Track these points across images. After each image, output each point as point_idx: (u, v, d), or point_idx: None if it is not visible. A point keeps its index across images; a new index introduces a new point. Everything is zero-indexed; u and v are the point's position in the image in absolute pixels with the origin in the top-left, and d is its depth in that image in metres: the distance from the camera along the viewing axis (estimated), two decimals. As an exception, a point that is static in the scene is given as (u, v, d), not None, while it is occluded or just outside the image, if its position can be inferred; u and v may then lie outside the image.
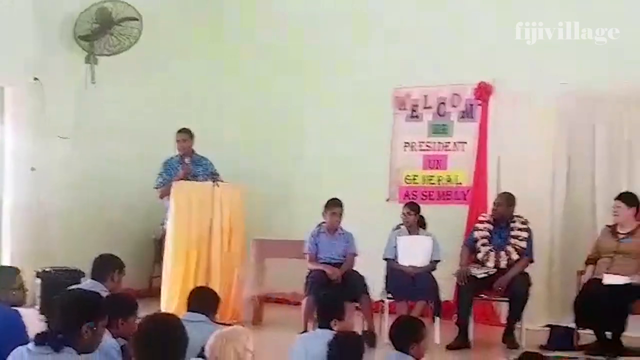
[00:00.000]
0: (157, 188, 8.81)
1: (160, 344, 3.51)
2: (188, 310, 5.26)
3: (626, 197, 7.55)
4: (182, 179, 8.54)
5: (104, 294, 4.87)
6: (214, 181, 8.47)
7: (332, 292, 6.63)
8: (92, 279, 5.68)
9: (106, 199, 9.86)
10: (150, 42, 9.86)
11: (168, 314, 4.01)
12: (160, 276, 8.64)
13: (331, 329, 5.05)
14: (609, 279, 7.15)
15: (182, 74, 10.50)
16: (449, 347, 7.54)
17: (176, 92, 10.46)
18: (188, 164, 8.68)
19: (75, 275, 7.90)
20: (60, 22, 9.56)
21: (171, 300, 7.94)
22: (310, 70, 10.20)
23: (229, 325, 4.65)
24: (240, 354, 3.78)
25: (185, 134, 8.86)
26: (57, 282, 7.95)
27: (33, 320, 5.74)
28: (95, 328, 3.74)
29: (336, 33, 10.09)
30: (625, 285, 7.08)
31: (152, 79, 10.22)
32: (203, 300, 5.38)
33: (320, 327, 5.20)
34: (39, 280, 8.48)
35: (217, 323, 5.17)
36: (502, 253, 7.81)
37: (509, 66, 8.91)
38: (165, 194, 8.63)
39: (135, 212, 10.00)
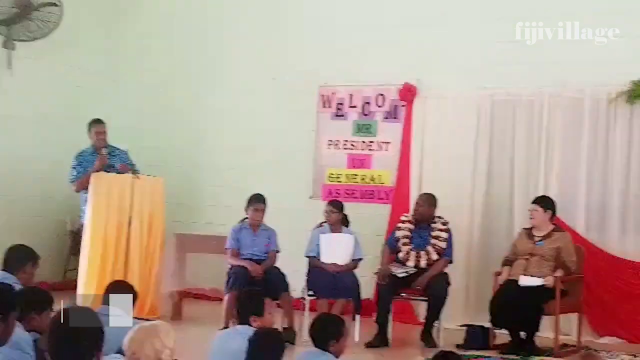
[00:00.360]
0: (72, 182, 8.63)
1: (75, 338, 3.44)
2: (103, 304, 5.18)
3: (542, 201, 7.71)
4: (98, 171, 8.37)
5: (17, 286, 4.75)
6: (133, 173, 8.34)
7: (253, 288, 6.59)
8: (3, 270, 5.51)
9: (21, 188, 9.68)
10: (70, 29, 9.70)
11: (83, 308, 3.93)
12: (75, 269, 8.48)
13: (250, 325, 5.04)
14: (525, 281, 7.29)
15: (100, 62, 10.37)
16: (368, 345, 7.59)
17: (95, 81, 10.31)
18: (104, 155, 8.49)
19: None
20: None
21: (88, 293, 7.79)
22: (236, 66, 10.13)
23: (146, 320, 4.59)
24: (158, 350, 3.71)
25: (104, 125, 8.66)
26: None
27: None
28: (6, 321, 3.65)
29: (259, 26, 10.05)
30: (540, 286, 7.23)
31: (70, 66, 10.07)
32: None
33: (240, 323, 5.18)
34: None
35: (134, 318, 5.10)
36: (423, 253, 7.89)
37: (433, 68, 9.01)
38: (81, 187, 8.47)
39: (51, 202, 9.85)
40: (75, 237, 8.67)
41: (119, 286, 5.47)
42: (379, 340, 7.65)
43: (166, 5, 10.60)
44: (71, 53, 10.03)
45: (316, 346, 4.80)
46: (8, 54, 9.53)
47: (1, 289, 3.84)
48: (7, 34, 9.48)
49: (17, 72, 9.56)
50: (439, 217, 8.07)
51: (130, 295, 5.33)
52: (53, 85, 9.94)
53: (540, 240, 7.55)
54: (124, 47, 10.54)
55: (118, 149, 8.72)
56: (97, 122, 8.68)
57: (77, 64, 10.12)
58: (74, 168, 8.60)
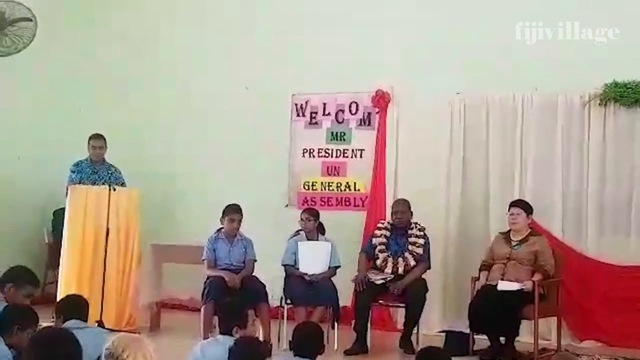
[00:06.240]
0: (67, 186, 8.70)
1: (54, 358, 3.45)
2: (69, 319, 5.13)
3: (524, 205, 7.74)
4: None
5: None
6: (109, 185, 8.34)
7: (235, 299, 6.54)
8: None
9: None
10: (45, 43, 9.71)
11: (59, 328, 3.94)
12: (53, 282, 8.46)
13: (232, 335, 5.01)
14: (503, 285, 7.30)
15: (75, 77, 10.35)
16: (347, 353, 7.57)
17: (71, 94, 10.28)
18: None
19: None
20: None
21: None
22: (208, 76, 10.06)
23: (127, 332, 4.56)
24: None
25: (102, 141, 8.92)
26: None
27: None
28: None
29: (231, 35, 10.00)
30: (518, 291, 7.24)
31: (46, 79, 10.10)
32: (78, 307, 5.29)
33: (222, 333, 5.16)
34: None
35: (111, 330, 5.09)
36: (400, 259, 7.89)
37: (405, 74, 8.99)
38: None
39: (28, 216, 9.86)
40: (53, 250, 8.64)
41: (74, 299, 5.48)
42: (358, 348, 7.63)
43: (137, 17, 10.50)
44: (45, 65, 10.05)
45: (296, 355, 4.80)
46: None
47: None
48: (-19, 50, 9.58)
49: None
50: (415, 222, 8.07)
51: (86, 307, 5.36)
52: (31, 99, 10.03)
53: (517, 245, 7.58)
54: (97, 60, 10.48)
55: (113, 166, 8.97)
56: (95, 136, 8.95)
57: (53, 76, 10.17)
58: (72, 172, 8.82)
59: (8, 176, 9.77)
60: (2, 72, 9.58)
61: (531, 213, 7.68)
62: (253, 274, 7.95)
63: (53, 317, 6.68)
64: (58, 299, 5.88)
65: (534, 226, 7.77)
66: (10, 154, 9.78)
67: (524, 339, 7.55)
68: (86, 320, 5.20)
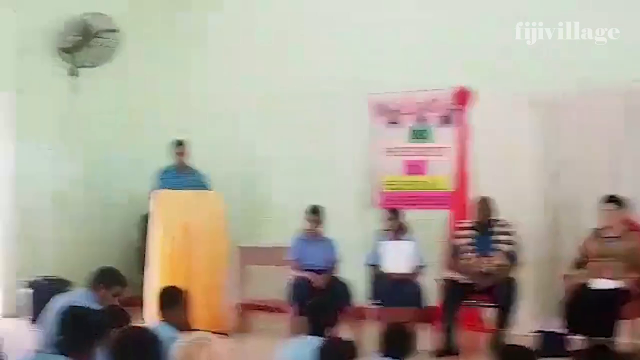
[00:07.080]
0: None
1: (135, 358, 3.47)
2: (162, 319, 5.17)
3: (617, 200, 7.48)
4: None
5: (95, 305, 4.93)
6: (194, 189, 8.45)
7: (322, 298, 6.50)
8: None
9: (90, 208, 9.98)
10: (131, 52, 10.03)
11: (141, 328, 3.97)
12: (142, 285, 8.57)
13: (322, 336, 4.94)
14: (598, 284, 7.07)
15: (161, 83, 10.55)
16: (436, 354, 7.45)
17: (157, 101, 10.50)
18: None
19: (65, 284, 7.99)
20: (42, 34, 9.66)
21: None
22: (287, 78, 10.05)
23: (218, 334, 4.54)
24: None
25: (182, 147, 9.20)
26: (48, 292, 7.82)
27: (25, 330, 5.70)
28: (91, 347, 3.72)
29: (308, 38, 9.99)
30: (614, 289, 7.00)
31: (133, 87, 10.35)
32: (171, 300, 5.31)
33: (310, 333, 5.08)
34: (30, 290, 8.61)
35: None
36: (486, 259, 7.70)
37: (488, 71, 8.82)
38: None
39: (119, 220, 10.16)
40: (141, 253, 8.81)
41: (168, 292, 5.48)
42: (447, 349, 7.52)
43: (222, 24, 10.61)
44: (133, 74, 10.30)
45: (387, 356, 4.73)
46: (73, 80, 9.88)
47: (84, 314, 3.90)
48: (71, 61, 9.84)
49: (83, 97, 9.95)
50: (500, 220, 7.90)
51: (180, 298, 5.34)
52: (118, 107, 10.29)
53: (612, 241, 7.32)
54: (186, 66, 10.66)
55: (197, 170, 9.23)
56: (177, 143, 9.25)
57: (140, 85, 10.41)
58: (157, 179, 9.15)
59: (100, 183, 10.08)
60: (93, 81, 9.91)
61: (626, 208, 7.41)
62: (336, 274, 7.88)
63: (143, 319, 6.77)
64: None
65: (631, 222, 7.49)
66: (103, 164, 10.10)
67: (624, 339, 7.24)
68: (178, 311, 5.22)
